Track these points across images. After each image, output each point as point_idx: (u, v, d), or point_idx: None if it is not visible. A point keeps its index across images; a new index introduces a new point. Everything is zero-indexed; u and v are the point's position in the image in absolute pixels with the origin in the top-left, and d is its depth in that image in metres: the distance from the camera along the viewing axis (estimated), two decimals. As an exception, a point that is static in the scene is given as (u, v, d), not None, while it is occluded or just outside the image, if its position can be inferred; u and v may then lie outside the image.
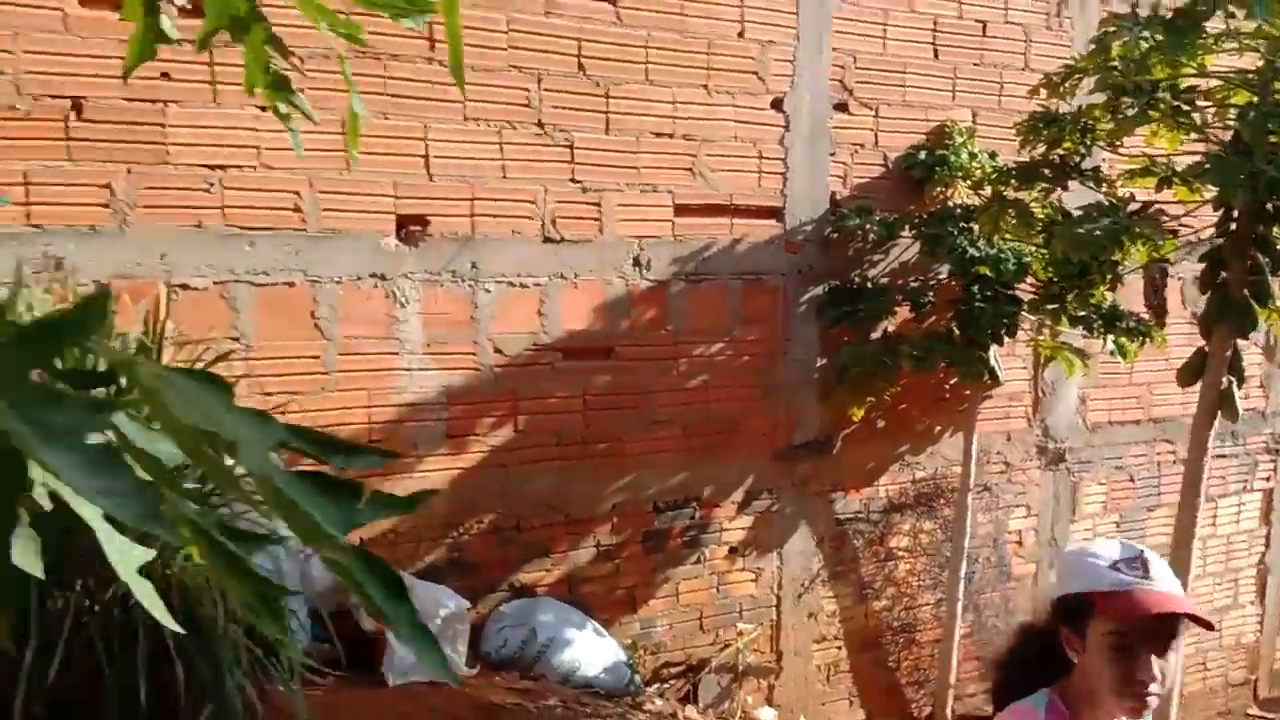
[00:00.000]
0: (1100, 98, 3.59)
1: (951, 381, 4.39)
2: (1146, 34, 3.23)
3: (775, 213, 4.03)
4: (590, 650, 3.61)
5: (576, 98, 3.57)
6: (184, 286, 3.04)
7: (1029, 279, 4.11)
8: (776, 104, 3.97)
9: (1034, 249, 3.99)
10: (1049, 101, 3.75)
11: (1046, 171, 3.83)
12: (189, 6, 1.05)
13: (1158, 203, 3.44)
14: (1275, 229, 3.38)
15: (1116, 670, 1.28)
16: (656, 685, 3.94)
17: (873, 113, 4.21)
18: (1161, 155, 3.51)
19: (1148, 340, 4.05)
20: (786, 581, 4.24)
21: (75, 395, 0.47)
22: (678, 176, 3.81)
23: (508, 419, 3.62)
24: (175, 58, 2.97)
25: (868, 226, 4.08)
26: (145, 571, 0.70)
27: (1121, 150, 3.66)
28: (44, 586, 2.45)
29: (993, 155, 4.23)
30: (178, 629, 1.07)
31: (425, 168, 3.35)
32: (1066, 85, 3.61)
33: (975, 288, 4.07)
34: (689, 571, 4.02)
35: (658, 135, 3.74)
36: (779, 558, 4.21)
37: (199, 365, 2.44)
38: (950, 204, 4.25)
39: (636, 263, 3.76)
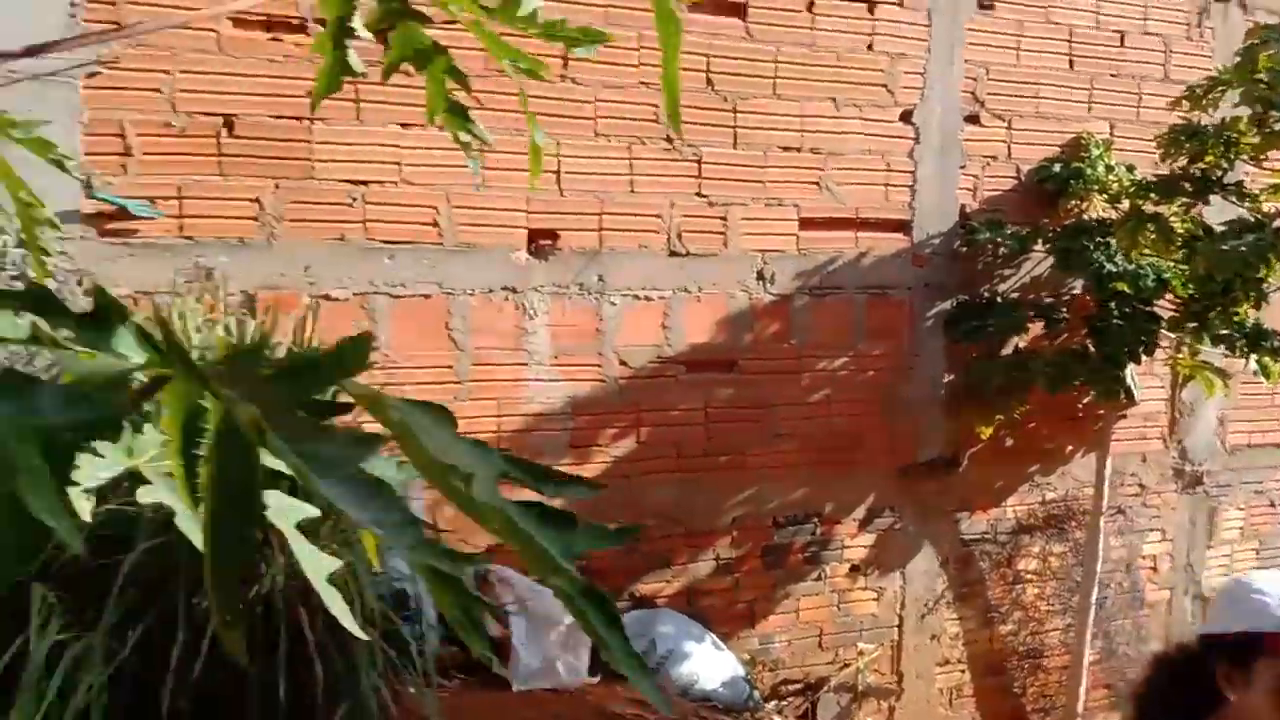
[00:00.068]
0: (1245, 111, 3.46)
1: (1085, 400, 4.26)
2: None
3: (903, 226, 3.97)
4: (709, 664, 3.61)
5: (705, 113, 3.59)
6: (326, 297, 3.14)
7: (1168, 296, 3.97)
8: (906, 116, 3.92)
9: (1173, 265, 3.85)
10: (1190, 114, 3.62)
11: (1187, 185, 3.70)
12: (373, 39, 1.09)
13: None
14: None
15: None
16: (775, 702, 3.92)
17: (1005, 125, 4.12)
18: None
19: (1292, 361, 3.87)
20: (909, 602, 4.17)
21: (340, 430, 0.50)
22: (804, 190, 3.79)
23: (630, 430, 3.65)
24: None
25: (999, 240, 3.99)
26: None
27: (1266, 165, 3.51)
28: (194, 586, 2.56)
29: (1130, 168, 4.10)
30: (361, 634, 1.10)
31: (557, 183, 3.40)
32: (1210, 98, 3.49)
33: (1112, 304, 3.95)
34: (809, 588, 3.99)
35: (785, 149, 3.73)
36: (902, 577, 4.14)
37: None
38: (1085, 218, 4.13)
39: (760, 276, 3.76)
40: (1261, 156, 3.44)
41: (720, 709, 3.58)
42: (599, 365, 3.57)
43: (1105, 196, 4.10)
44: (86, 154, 2.85)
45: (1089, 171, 4.08)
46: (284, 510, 0.76)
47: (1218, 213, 3.81)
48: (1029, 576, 4.42)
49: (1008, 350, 4.08)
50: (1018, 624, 4.44)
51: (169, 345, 0.62)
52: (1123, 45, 4.30)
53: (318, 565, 0.83)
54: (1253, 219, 3.39)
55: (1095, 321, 3.99)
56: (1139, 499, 4.56)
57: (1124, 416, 4.31)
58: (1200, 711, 1.33)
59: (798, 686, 4.00)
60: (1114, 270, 3.88)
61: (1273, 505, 4.89)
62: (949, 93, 3.99)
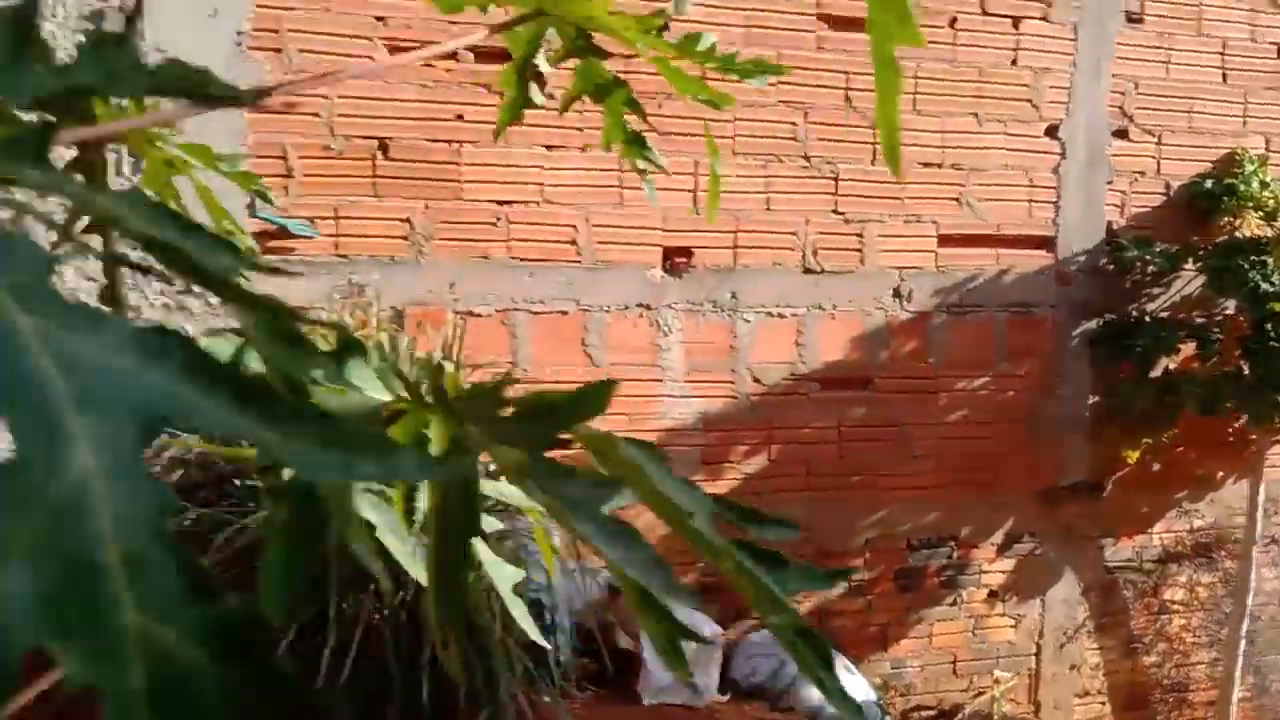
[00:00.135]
0: None
1: (1237, 424, 4.08)
2: None
3: (1046, 243, 3.87)
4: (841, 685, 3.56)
5: (843, 129, 3.57)
6: (470, 313, 3.23)
7: (1330, 317, 3.77)
8: (1051, 131, 3.83)
9: (1336, 285, 3.66)
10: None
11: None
12: (551, 70, 1.13)
13: None
14: None
15: None
16: (907, 727, 3.85)
17: (1155, 140, 3.98)
18: None
19: None
20: (1048, 630, 4.05)
21: (581, 470, 0.52)
22: (943, 206, 3.73)
23: (762, 447, 3.64)
24: (470, 100, 3.19)
25: (1147, 258, 3.86)
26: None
27: None
28: (345, 590, 2.66)
29: (1289, 184, 3.92)
30: (543, 642, 1.14)
31: (693, 202, 3.43)
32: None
33: (1268, 325, 3.77)
34: (944, 613, 3.91)
35: (924, 165, 3.68)
36: (1041, 604, 4.03)
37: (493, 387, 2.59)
38: (1238, 236, 3.96)
39: (897, 294, 3.71)
40: None
41: (851, 732, 3.53)
42: (732, 382, 3.58)
43: (1260, 214, 3.92)
44: (250, 176, 3.00)
45: (1243, 188, 3.91)
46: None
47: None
48: (1175, 607, 4.25)
49: (1156, 372, 3.94)
50: (1162, 656, 4.26)
51: (406, 382, 0.66)
52: (1280, 57, 4.12)
53: (503, 575, 0.87)
54: None
55: (1250, 343, 3.82)
56: (1297, 530, 4.34)
57: (1279, 442, 4.11)
58: None
59: (931, 713, 3.92)
60: (1270, 290, 3.70)
61: None
62: (1096, 107, 3.88)
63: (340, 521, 0.61)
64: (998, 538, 3.95)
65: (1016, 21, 3.74)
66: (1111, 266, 3.92)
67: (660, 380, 3.50)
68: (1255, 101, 4.10)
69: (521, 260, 3.30)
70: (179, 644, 0.25)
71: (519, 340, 3.31)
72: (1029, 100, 3.78)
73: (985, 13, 3.71)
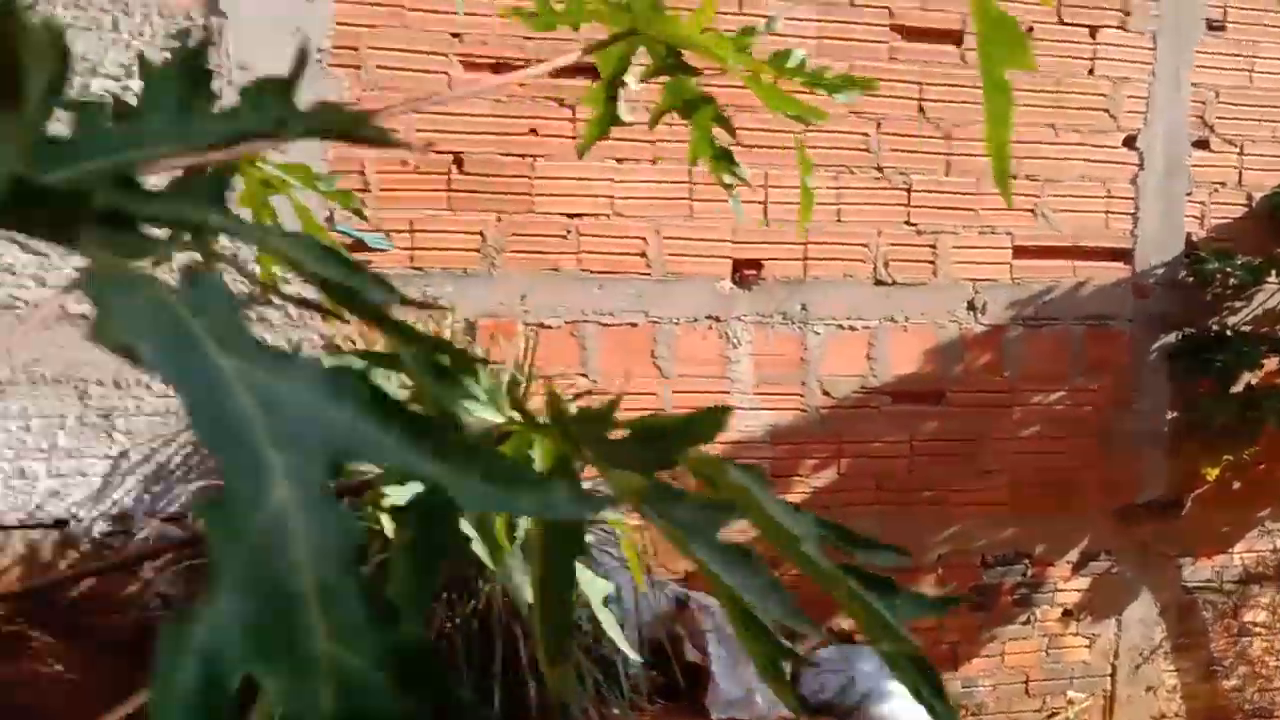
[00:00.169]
0: None
1: (1324, 442, 3.96)
2: None
3: (1123, 255, 3.80)
4: (910, 705, 3.51)
5: (916, 140, 3.54)
6: (541, 325, 3.26)
7: None
8: (1129, 142, 3.75)
9: None
10: None
11: None
12: (636, 88, 1.14)
13: None
14: None
15: None
16: (978, 746, 3.79)
17: (1236, 150, 3.89)
18: None
19: None
20: (1124, 650, 3.96)
21: (692, 495, 0.53)
22: (1018, 217, 3.68)
23: (831, 461, 3.62)
24: (543, 115, 3.22)
25: (1228, 270, 3.76)
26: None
27: None
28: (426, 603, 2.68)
29: (1381, 194, 3.80)
30: (634, 655, 1.15)
31: (763, 213, 3.42)
32: None
33: (1357, 340, 3.66)
34: (1017, 632, 3.84)
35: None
36: (1117, 624, 3.94)
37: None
38: (1326, 246, 3.85)
39: (971, 306, 3.66)
40: None
41: (921, 750, 3.48)
42: (801, 395, 3.56)
43: (1349, 224, 3.81)
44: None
45: (1330, 198, 3.81)
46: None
47: None
48: (1257, 629, 4.13)
49: (1237, 387, 3.84)
50: (1243, 679, 4.14)
51: (516, 403, 0.67)
52: (1372, 62, 3.99)
53: (594, 588, 0.88)
54: None
55: (1339, 358, 3.71)
56: (1387, 551, 4.19)
57: (1369, 461, 3.98)
58: None
59: (1003, 732, 3.86)
60: (1362, 303, 3.60)
61: None
62: (1175, 117, 3.80)
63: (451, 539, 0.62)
64: (1073, 555, 3.87)
65: (1094, 31, 3.68)
66: (1191, 279, 3.84)
67: (728, 393, 3.49)
68: (1343, 109, 3.99)
69: (591, 272, 3.32)
70: (365, 670, 0.26)
71: (588, 352, 3.33)
72: (1106, 110, 3.72)
73: (1062, 22, 3.65)
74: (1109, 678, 3.96)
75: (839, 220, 3.52)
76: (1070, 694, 3.91)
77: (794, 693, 0.68)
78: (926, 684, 0.59)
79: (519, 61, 3.16)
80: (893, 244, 3.57)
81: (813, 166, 1.12)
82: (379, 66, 3.08)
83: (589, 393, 2.87)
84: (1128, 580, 3.92)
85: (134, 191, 0.29)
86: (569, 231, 3.28)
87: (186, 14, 2.90)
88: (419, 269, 3.17)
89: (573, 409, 0.59)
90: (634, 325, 3.37)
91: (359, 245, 3.08)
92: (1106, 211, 3.77)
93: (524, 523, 0.80)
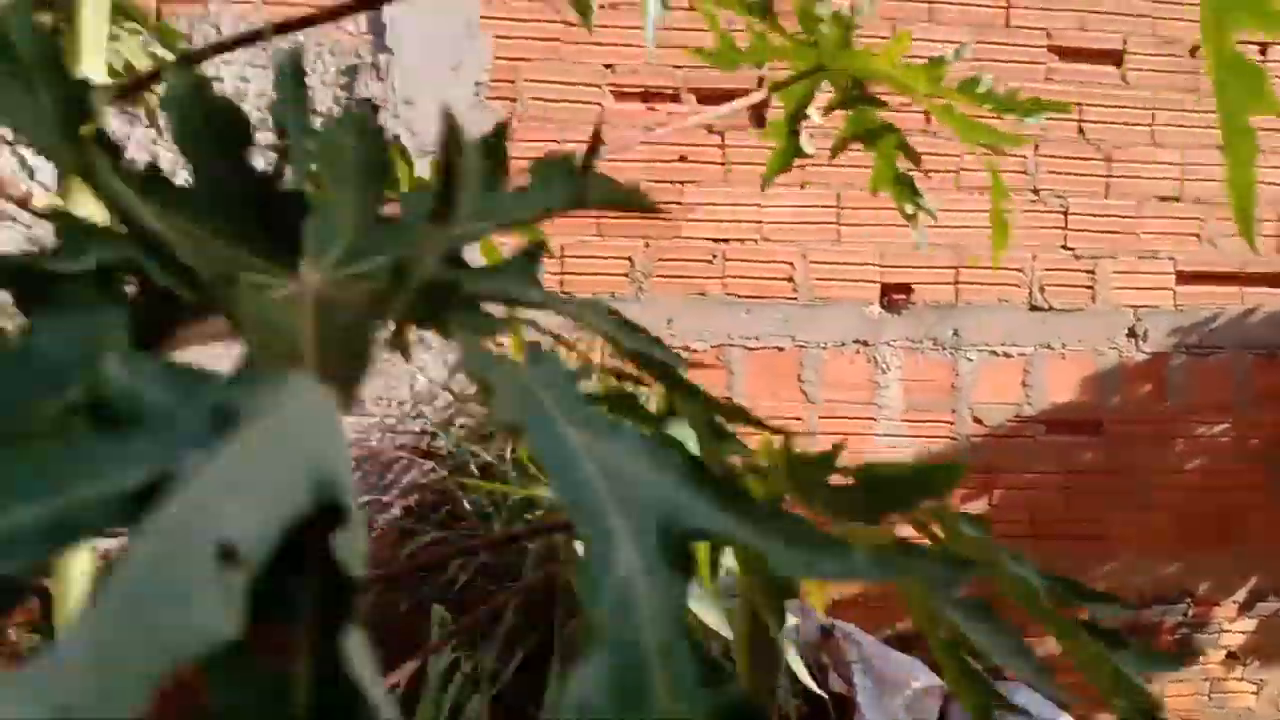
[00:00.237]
0: None
1: None
2: None
3: (1297, 281, 3.61)
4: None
5: (1074, 163, 3.44)
6: (686, 349, 3.29)
7: None
8: (1304, 161, 3.57)
9: None
10: None
11: None
12: (819, 121, 1.15)
13: None
14: None
15: None
16: (1137, 792, 3.62)
17: None
18: None
19: None
20: (1299, 698, 3.73)
21: (931, 550, 0.53)
22: (1182, 242, 3.54)
23: (982, 491, 3.53)
24: (692, 142, 3.26)
25: None
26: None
27: None
28: (566, 618, 2.73)
29: None
30: (819, 690, 1.15)
31: (913, 238, 3.38)
32: None
33: None
34: (1177, 674, 3.67)
35: (1162, 199, 3.50)
36: (1290, 670, 3.72)
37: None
38: None
39: (1131, 333, 3.53)
40: None
41: (1075, 794, 3.36)
42: (951, 422, 3.49)
43: None
44: (485, 217, 3.16)
45: None
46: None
47: None
48: None
49: None
50: None
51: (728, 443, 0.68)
52: None
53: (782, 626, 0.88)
54: None
55: None
56: None
57: None
58: None
59: (1164, 779, 3.68)
60: None
61: None
62: (1357, 133, 3.60)
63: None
64: (1239, 595, 3.68)
65: (1264, 48, 3.52)
66: (1375, 305, 3.62)
67: (875, 419, 3.45)
68: None
69: (738, 297, 3.34)
70: (700, 726, 0.28)
71: (735, 376, 3.34)
72: (1277, 130, 3.54)
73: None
74: (1281, 727, 3.74)
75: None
76: (1238, 742, 3.71)
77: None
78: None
79: (669, 90, 3.21)
80: (1049, 268, 3.48)
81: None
82: (533, 98, 3.16)
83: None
84: (1303, 624, 3.70)
85: (470, 270, 0.32)
86: (715, 256, 3.31)
87: (356, 52, 3.04)
88: (568, 294, 3.23)
89: (792, 451, 0.60)
90: (780, 350, 3.37)
91: (513, 271, 3.16)
92: (1278, 236, 3.58)
93: (727, 561, 0.82)
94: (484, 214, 0.39)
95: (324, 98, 3.07)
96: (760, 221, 3.31)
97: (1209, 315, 3.57)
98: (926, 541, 0.63)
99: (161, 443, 0.20)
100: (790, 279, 3.36)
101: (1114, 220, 3.48)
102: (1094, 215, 3.48)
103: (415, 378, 3.15)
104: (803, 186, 3.31)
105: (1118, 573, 3.58)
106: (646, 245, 3.27)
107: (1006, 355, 3.48)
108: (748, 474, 0.66)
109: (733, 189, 3.26)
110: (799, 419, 3.40)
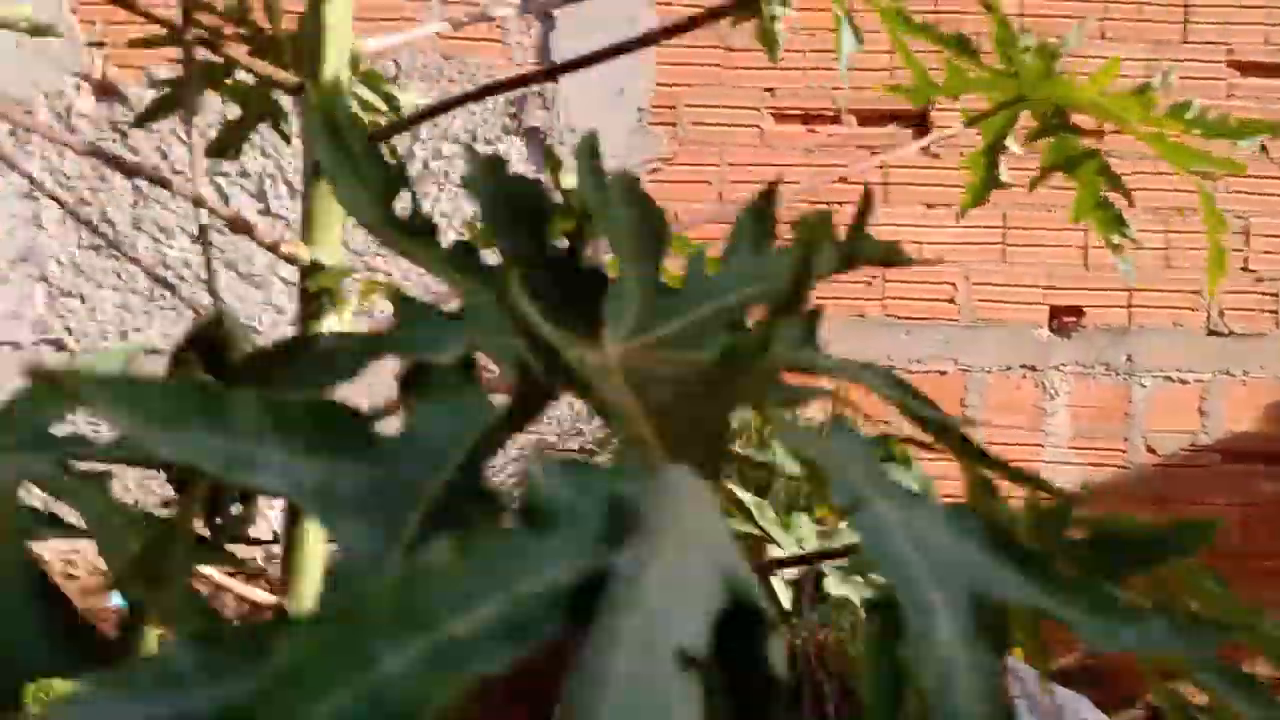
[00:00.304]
0: None
1: None
2: None
3: None
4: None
5: (1256, 182, 3.27)
6: (845, 372, 3.26)
7: None
8: None
9: None
10: None
11: None
12: (1020, 151, 1.14)
13: None
14: None
15: None
16: None
17: None
18: None
19: None
20: None
21: (1181, 612, 0.53)
22: (1379, 263, 3.32)
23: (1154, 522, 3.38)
24: (854, 163, 3.24)
25: None
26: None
27: None
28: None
29: None
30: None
31: (1083, 259, 3.28)
32: None
33: None
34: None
35: (1356, 217, 3.30)
36: None
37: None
38: None
39: (1320, 360, 3.33)
40: None
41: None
42: (1123, 450, 3.35)
43: None
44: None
45: None
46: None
47: None
48: None
49: None
50: None
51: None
52: None
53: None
54: None
55: None
56: None
57: None
58: None
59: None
60: None
61: None
62: None
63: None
64: None
65: None
66: None
67: (1042, 445, 3.35)
68: None
69: (898, 318, 3.29)
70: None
71: (894, 400, 3.29)
72: None
73: None
74: None
75: (1168, 265, 3.30)
76: None
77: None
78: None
79: (829, 113, 3.20)
80: (1229, 291, 3.31)
81: (1223, 220, 1.07)
82: (694, 123, 3.20)
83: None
84: None
85: (812, 350, 0.34)
86: (874, 277, 3.27)
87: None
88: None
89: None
90: (943, 373, 3.31)
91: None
92: None
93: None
94: (756, 276, 0.41)
95: (493, 126, 3.18)
96: (920, 242, 3.26)
97: None
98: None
99: (577, 539, 0.23)
100: (952, 300, 3.30)
101: (1302, 240, 3.30)
102: (1277, 236, 3.30)
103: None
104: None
105: (1306, 613, 3.37)
106: (805, 267, 3.26)
107: (1182, 381, 3.33)
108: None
109: (893, 209, 3.23)
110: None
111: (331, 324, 0.85)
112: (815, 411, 2.72)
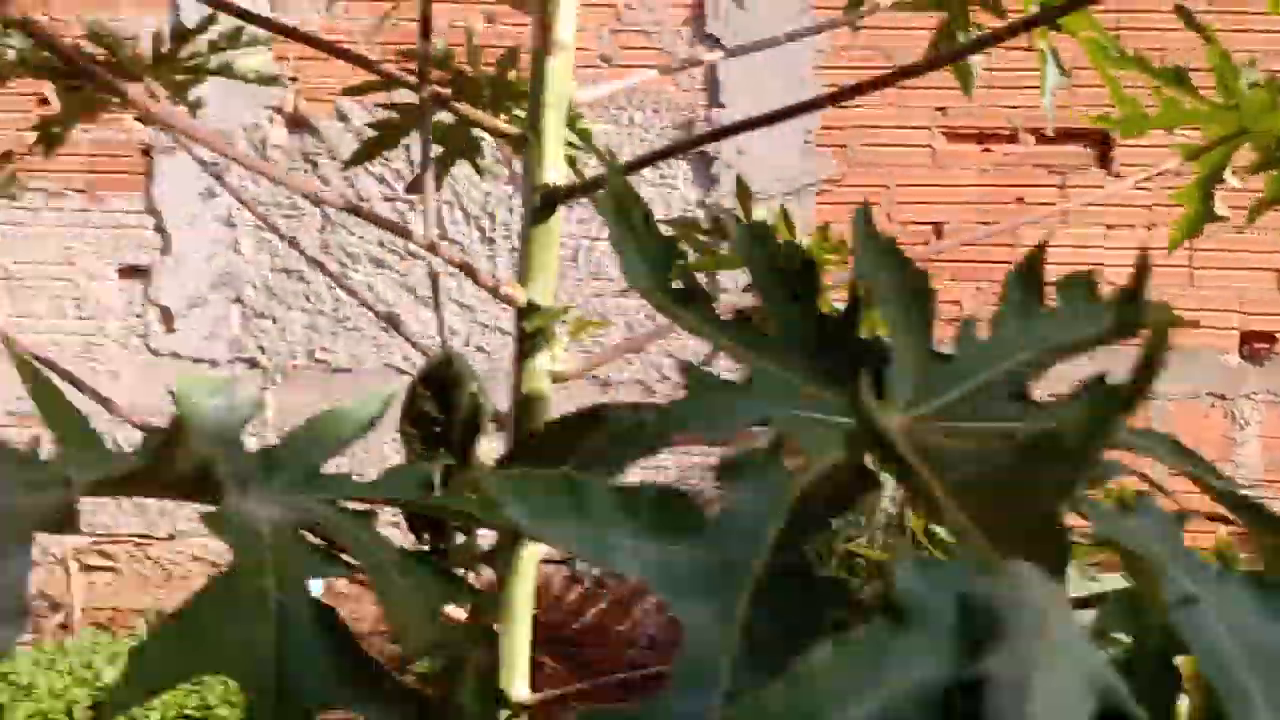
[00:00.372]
0: None
1: None
2: None
3: None
4: None
5: None
6: (1018, 398, 3.16)
7: None
8: None
9: None
10: None
11: None
12: (1238, 185, 1.10)
13: None
14: None
15: None
16: None
17: None
18: None
19: None
20: None
21: None
22: None
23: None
24: (1029, 183, 3.15)
25: None
26: None
27: None
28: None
29: None
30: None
31: (1278, 283, 3.09)
32: None
33: None
34: None
35: None
36: None
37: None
38: None
39: None
40: None
41: None
42: (1322, 485, 3.15)
43: None
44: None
45: None
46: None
47: None
48: None
49: None
50: None
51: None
52: None
53: None
54: None
55: None
56: None
57: None
58: None
59: None
60: None
61: None
62: None
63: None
64: None
65: None
66: None
67: (1232, 477, 3.16)
68: None
69: (1076, 344, 3.17)
70: None
71: (1071, 427, 3.17)
72: None
73: None
74: None
75: (1375, 289, 3.09)
76: None
77: None
78: None
79: (1005, 131, 3.12)
80: None
81: None
82: (863, 144, 3.17)
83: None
84: None
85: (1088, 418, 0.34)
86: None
87: (691, 107, 3.18)
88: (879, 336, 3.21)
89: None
90: (1122, 401, 3.17)
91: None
92: None
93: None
94: (1029, 342, 0.41)
95: (632, 147, 3.23)
96: (1102, 263, 3.13)
97: None
98: None
99: (938, 638, 0.24)
100: (1134, 325, 3.16)
101: None
102: None
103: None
104: (1150, 228, 3.11)
105: None
106: (977, 289, 3.19)
107: (1390, 412, 3.11)
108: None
109: (1072, 230, 3.12)
110: (1143, 475, 3.18)
111: (544, 361, 0.89)
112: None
